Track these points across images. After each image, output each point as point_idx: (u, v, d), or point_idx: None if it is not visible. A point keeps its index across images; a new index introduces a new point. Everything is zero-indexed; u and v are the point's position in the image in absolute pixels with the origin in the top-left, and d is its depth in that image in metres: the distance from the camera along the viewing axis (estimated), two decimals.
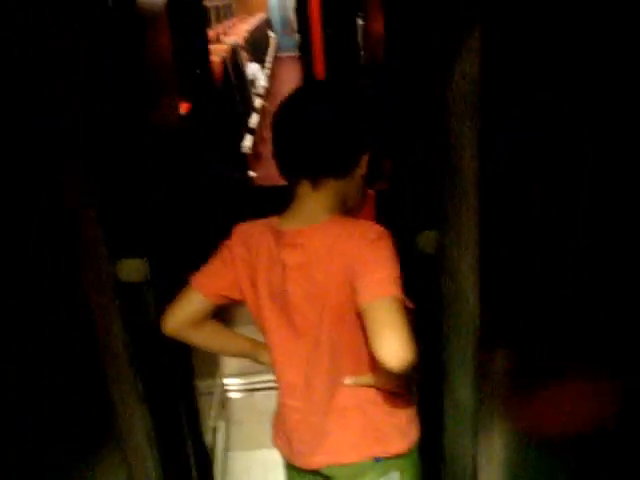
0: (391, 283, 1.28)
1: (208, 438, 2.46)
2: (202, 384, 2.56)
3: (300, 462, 1.54)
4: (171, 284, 2.00)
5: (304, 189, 1.42)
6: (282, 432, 1.57)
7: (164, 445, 1.98)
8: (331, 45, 3.98)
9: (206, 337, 1.58)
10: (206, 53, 4.24)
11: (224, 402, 3.01)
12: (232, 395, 3.08)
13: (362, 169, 1.43)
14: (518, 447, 1.54)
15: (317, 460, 1.50)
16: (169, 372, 1.96)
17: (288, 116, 1.41)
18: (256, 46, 10.63)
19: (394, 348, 1.21)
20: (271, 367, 1.55)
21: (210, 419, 2.60)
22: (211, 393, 2.80)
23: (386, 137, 2.17)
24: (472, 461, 1.68)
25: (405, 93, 1.86)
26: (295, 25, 14.38)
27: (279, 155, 1.43)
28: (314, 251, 1.37)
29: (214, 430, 2.61)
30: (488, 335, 1.45)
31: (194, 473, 2.21)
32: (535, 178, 1.29)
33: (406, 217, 1.92)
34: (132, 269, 1.72)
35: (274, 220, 1.47)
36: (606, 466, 1.40)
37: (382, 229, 1.36)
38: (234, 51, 6.35)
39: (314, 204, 1.41)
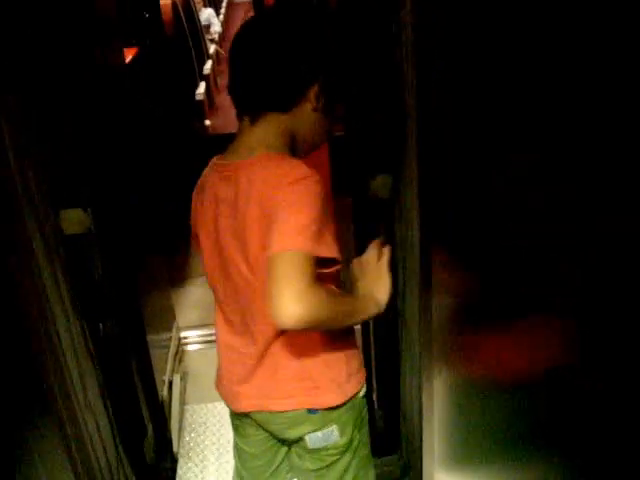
0: (298, 234, 1.19)
1: (164, 392, 2.43)
2: (157, 337, 2.51)
3: (232, 404, 1.51)
4: (118, 236, 1.95)
5: (245, 123, 1.33)
6: (218, 371, 1.53)
7: (117, 401, 1.94)
8: None
9: None
10: None
11: (181, 355, 2.97)
12: (189, 348, 3.04)
13: (312, 103, 1.31)
14: (462, 384, 1.54)
15: (248, 403, 1.46)
16: (119, 326, 1.91)
17: (230, 49, 1.34)
18: None
19: (282, 305, 1.16)
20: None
21: (166, 373, 2.56)
22: (167, 346, 2.76)
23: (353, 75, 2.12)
24: (419, 400, 1.68)
25: (354, 38, 1.80)
26: None
27: (228, 88, 1.35)
28: (240, 185, 1.29)
29: (170, 384, 2.57)
30: (435, 277, 1.42)
31: (149, 427, 2.18)
32: (476, 120, 1.25)
33: (359, 162, 1.87)
34: (74, 220, 1.66)
35: (217, 156, 1.40)
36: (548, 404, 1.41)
37: (307, 172, 1.24)
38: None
39: (252, 138, 1.32)
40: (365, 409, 1.52)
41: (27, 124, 1.51)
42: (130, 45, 3.36)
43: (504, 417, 1.51)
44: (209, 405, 2.61)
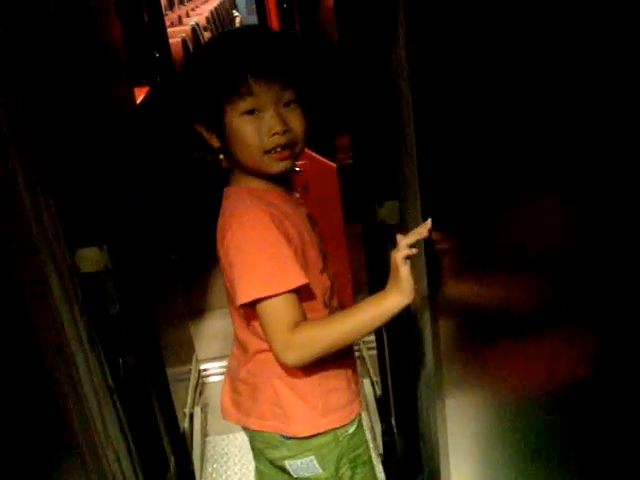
0: (246, 285, 1.25)
1: (185, 424, 2.45)
2: (176, 370, 2.54)
3: (224, 414, 1.54)
4: (135, 272, 1.98)
5: None
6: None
7: (138, 434, 1.97)
8: (287, 23, 3.93)
9: None
10: (164, 35, 4.18)
11: (201, 387, 2.99)
12: (209, 380, 3.06)
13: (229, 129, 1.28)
14: (477, 404, 1.54)
15: (234, 417, 1.51)
16: (138, 360, 1.94)
17: None
18: (220, 26, 10.50)
19: (277, 355, 1.27)
20: None
21: (186, 405, 2.59)
22: (187, 379, 2.79)
23: (344, 113, 2.16)
24: (435, 422, 1.68)
25: (358, 69, 1.84)
26: None
27: None
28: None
29: (191, 416, 2.59)
30: (447, 306, 1.43)
31: (171, 460, 2.20)
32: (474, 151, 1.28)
33: (367, 189, 1.90)
34: (91, 259, 1.69)
35: None
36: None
37: (243, 211, 1.28)
38: (195, 32, 6.27)
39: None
40: (362, 449, 1.51)
41: (41, 166, 1.56)
42: (141, 85, 3.43)
43: (525, 434, 1.50)
44: (230, 436, 2.62)
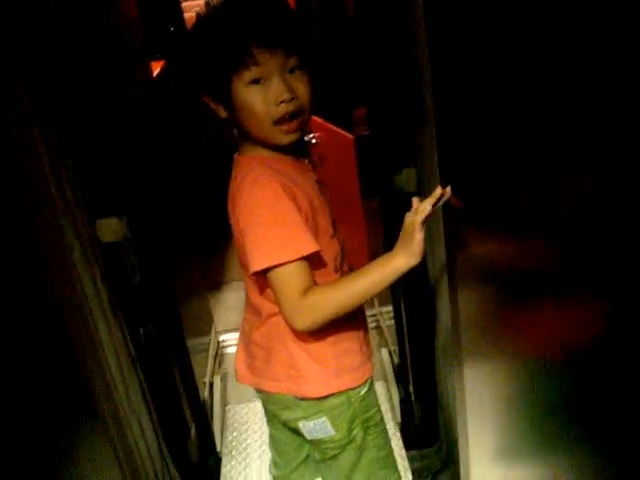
0: (258, 253, 1.26)
1: (205, 394, 2.48)
2: (196, 341, 2.57)
3: (238, 377, 1.57)
4: (154, 242, 2.00)
5: None
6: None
7: (159, 403, 1.99)
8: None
9: None
10: (178, 9, 4.15)
11: (220, 358, 3.02)
12: (227, 350, 3.09)
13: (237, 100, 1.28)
14: (496, 372, 1.55)
15: (248, 378, 1.53)
16: (159, 330, 1.96)
17: None
18: None
19: (289, 320, 1.29)
20: None
21: (206, 375, 2.62)
22: (206, 350, 2.82)
23: (361, 85, 2.15)
24: (454, 390, 1.70)
25: (373, 41, 1.84)
26: None
27: None
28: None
29: (211, 385, 2.62)
30: (462, 268, 1.43)
31: (193, 429, 2.23)
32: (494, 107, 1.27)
33: (384, 158, 1.90)
34: (110, 229, 1.71)
35: None
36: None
37: (255, 176, 1.28)
38: (208, 6, 6.21)
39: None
40: (374, 410, 1.53)
41: (62, 138, 1.57)
42: (157, 59, 3.42)
43: (540, 406, 1.51)
44: (250, 405, 2.65)
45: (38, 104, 1.46)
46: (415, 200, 1.27)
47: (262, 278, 1.33)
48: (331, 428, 1.46)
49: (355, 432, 1.49)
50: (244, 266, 1.35)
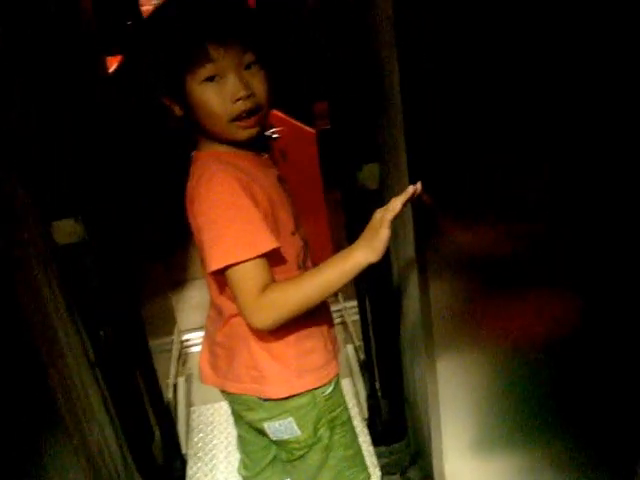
0: (224, 249, 1.22)
1: (169, 395, 2.44)
2: (158, 342, 2.52)
3: (202, 378, 1.54)
4: (113, 243, 1.96)
5: None
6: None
7: (121, 407, 1.95)
8: None
9: None
10: (135, 2, 4.09)
11: (184, 358, 2.98)
12: (191, 350, 3.05)
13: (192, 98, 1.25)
14: (466, 365, 1.54)
15: (212, 379, 1.51)
16: (119, 333, 1.92)
17: None
18: None
19: (247, 317, 1.25)
20: None
21: (169, 376, 2.57)
22: (169, 350, 2.77)
23: (322, 78, 2.13)
24: (422, 385, 1.69)
25: (334, 32, 1.81)
26: None
27: None
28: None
29: (175, 387, 2.58)
30: (430, 263, 1.41)
31: (157, 432, 2.19)
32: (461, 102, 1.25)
33: (346, 153, 1.88)
34: (67, 231, 1.66)
35: None
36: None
37: (212, 172, 1.25)
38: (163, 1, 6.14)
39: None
40: (340, 409, 1.51)
41: (12, 137, 1.52)
42: (113, 54, 3.36)
43: (514, 397, 1.51)
44: (215, 405, 2.62)
45: None
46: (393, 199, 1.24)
47: (221, 277, 1.30)
48: (297, 428, 1.44)
49: (321, 432, 1.47)
50: (204, 265, 1.32)
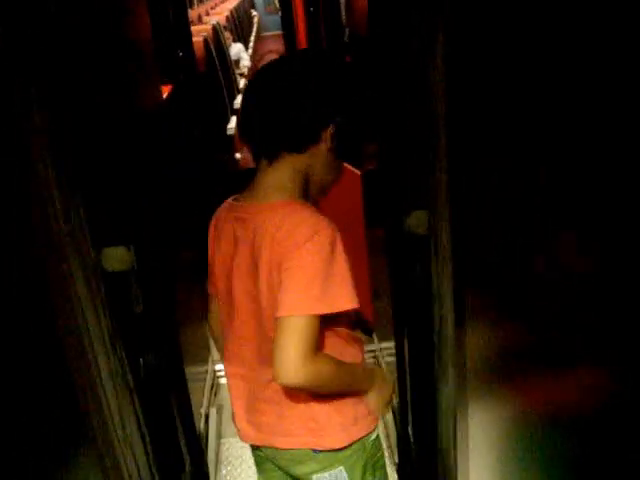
0: (306, 298, 1.23)
1: (200, 425, 2.44)
2: (192, 371, 2.54)
3: (242, 436, 1.54)
4: (159, 272, 1.98)
5: (262, 164, 1.37)
6: (233, 407, 1.56)
7: (155, 435, 1.96)
8: (314, 23, 3.92)
9: None
10: (188, 34, 4.17)
11: (215, 388, 2.99)
12: (223, 381, 3.05)
13: (327, 143, 1.34)
14: (499, 421, 1.52)
15: (256, 437, 1.49)
16: (159, 360, 1.94)
17: (245, 91, 1.40)
18: (239, 25, 10.51)
19: (282, 372, 1.24)
20: None
21: (202, 406, 2.58)
22: (203, 379, 2.78)
23: (371, 117, 2.15)
24: (454, 436, 1.67)
25: (388, 70, 1.83)
26: (277, 3, 14.25)
27: (240, 130, 1.42)
28: (256, 229, 1.33)
29: (206, 417, 2.59)
30: (476, 322, 1.41)
31: (187, 462, 2.19)
32: (514, 159, 1.26)
33: (394, 198, 1.89)
34: (117, 258, 1.69)
35: (234, 196, 1.45)
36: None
37: (319, 224, 1.28)
38: (216, 31, 6.26)
39: (270, 179, 1.36)
40: (380, 453, 1.53)
41: (71, 163, 1.55)
42: (164, 83, 3.43)
43: (547, 457, 1.49)
44: None
45: (51, 125, 1.44)
46: None
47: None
48: (346, 477, 1.45)
49: (366, 477, 1.48)
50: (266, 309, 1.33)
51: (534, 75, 1.09)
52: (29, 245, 1.37)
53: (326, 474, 1.44)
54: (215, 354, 3.15)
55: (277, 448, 1.46)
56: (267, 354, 1.36)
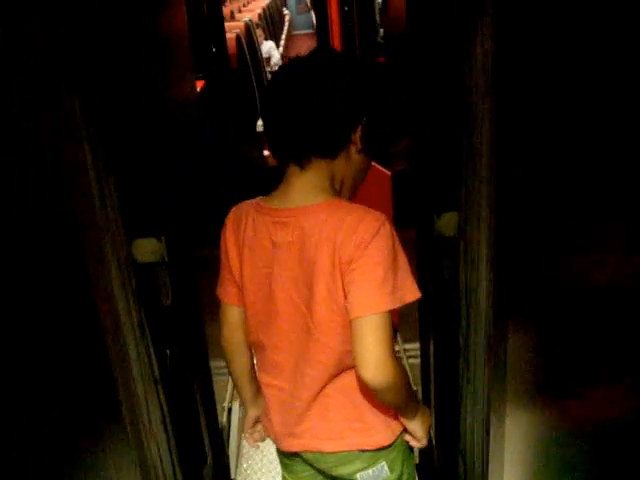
0: (381, 294, 1.22)
1: (222, 419, 2.46)
2: (217, 365, 2.55)
3: (282, 445, 1.51)
4: (188, 265, 1.99)
5: (292, 169, 1.33)
6: (266, 414, 1.53)
7: (178, 426, 1.98)
8: (348, 22, 3.93)
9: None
10: (222, 30, 4.18)
11: None
12: None
13: (357, 145, 1.32)
14: (535, 428, 1.52)
15: (298, 444, 1.47)
16: (184, 353, 1.95)
17: (270, 93, 1.34)
18: (271, 23, 10.55)
19: (373, 369, 1.23)
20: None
21: (225, 400, 2.59)
22: (225, 374, 2.79)
23: (404, 116, 2.14)
24: (481, 440, 1.67)
25: (424, 70, 1.82)
26: (309, 2, 14.26)
27: (267, 136, 1.35)
28: (304, 232, 1.29)
29: (229, 411, 2.60)
30: (503, 325, 1.41)
31: (209, 454, 2.20)
32: (556, 160, 1.25)
33: (425, 198, 1.88)
34: (148, 249, 1.70)
35: (261, 199, 1.39)
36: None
37: (378, 221, 1.26)
38: (248, 28, 6.29)
39: (305, 184, 1.32)
40: (406, 447, 1.54)
41: (108, 155, 1.57)
42: (198, 78, 3.45)
43: (583, 469, 1.47)
44: None
45: (89, 119, 1.46)
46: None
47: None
48: (387, 471, 1.46)
49: (403, 469, 1.50)
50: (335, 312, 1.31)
51: (583, 76, 1.09)
52: (69, 237, 1.39)
53: (369, 471, 1.44)
54: None
55: (322, 452, 1.45)
56: (309, 361, 1.37)
